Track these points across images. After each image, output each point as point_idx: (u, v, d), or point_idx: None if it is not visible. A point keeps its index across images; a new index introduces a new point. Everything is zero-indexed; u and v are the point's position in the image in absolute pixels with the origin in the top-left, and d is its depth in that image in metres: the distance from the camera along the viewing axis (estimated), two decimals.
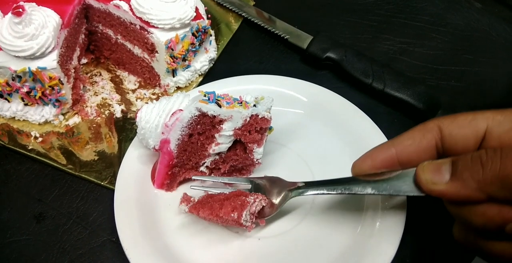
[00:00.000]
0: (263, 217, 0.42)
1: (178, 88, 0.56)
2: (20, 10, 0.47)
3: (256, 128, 0.43)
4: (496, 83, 0.56)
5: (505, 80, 0.57)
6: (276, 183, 0.43)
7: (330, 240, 0.42)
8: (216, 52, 0.59)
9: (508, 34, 0.62)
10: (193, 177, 0.45)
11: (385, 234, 0.40)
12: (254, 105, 0.43)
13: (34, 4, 0.50)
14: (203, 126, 0.43)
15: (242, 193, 0.42)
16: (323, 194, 0.40)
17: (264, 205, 0.41)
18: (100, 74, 0.58)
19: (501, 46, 0.60)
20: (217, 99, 0.43)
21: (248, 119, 0.43)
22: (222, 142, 0.44)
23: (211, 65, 0.58)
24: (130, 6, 0.51)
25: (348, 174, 0.45)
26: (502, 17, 0.64)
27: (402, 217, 0.41)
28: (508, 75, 0.57)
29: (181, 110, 0.43)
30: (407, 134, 0.37)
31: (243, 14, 0.63)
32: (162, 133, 0.43)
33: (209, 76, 0.57)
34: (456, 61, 0.58)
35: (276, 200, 0.42)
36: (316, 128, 0.49)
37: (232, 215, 0.39)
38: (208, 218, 0.41)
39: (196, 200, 0.42)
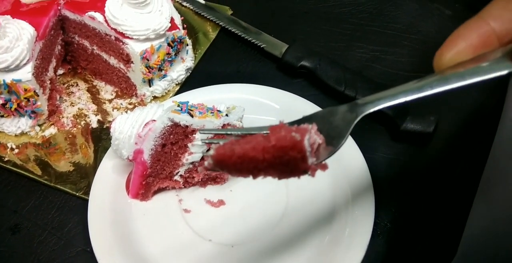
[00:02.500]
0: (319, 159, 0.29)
1: (155, 97, 0.57)
2: None
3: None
4: (465, 91, 0.58)
5: (472, 87, 0.58)
6: (323, 117, 0.31)
7: (303, 246, 0.43)
8: (193, 62, 0.60)
9: None
10: (200, 132, 0.38)
11: (354, 239, 0.41)
12: (227, 115, 0.44)
13: (8, 16, 0.50)
14: (176, 136, 0.44)
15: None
16: (404, 101, 0.30)
17: (320, 142, 0.29)
18: (77, 85, 0.58)
19: None
20: (189, 109, 0.44)
21: (220, 128, 0.44)
22: (195, 151, 0.45)
23: (188, 74, 0.59)
24: (105, 17, 0.52)
25: (322, 181, 0.46)
26: None
27: (370, 222, 0.42)
28: (476, 82, 0.59)
29: (154, 120, 0.44)
30: (499, 2, 0.27)
31: (220, 24, 0.64)
32: (136, 143, 0.44)
33: (187, 85, 0.58)
34: (427, 68, 0.59)
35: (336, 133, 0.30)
36: None
37: (294, 134, 0.26)
38: (248, 157, 0.27)
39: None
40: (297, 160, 0.27)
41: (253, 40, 0.62)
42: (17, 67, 0.49)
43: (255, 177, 0.29)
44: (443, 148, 0.52)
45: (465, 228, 0.69)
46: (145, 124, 0.44)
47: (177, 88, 0.58)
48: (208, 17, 0.65)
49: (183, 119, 0.43)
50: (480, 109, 0.58)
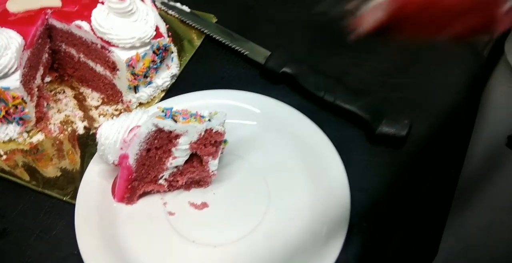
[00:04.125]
0: None
1: (141, 104, 0.58)
2: None
3: (211, 141, 0.46)
4: (438, 94, 0.60)
5: (446, 90, 0.61)
6: None
7: (283, 245, 0.45)
8: (179, 68, 0.61)
9: (454, 47, 0.66)
10: None
11: (331, 237, 0.43)
12: (209, 120, 0.46)
13: None
14: (160, 141, 0.46)
15: None
16: None
17: None
18: (64, 92, 0.60)
19: (446, 58, 0.65)
20: (173, 115, 0.46)
21: (203, 133, 0.45)
22: (179, 155, 0.47)
23: (173, 80, 0.60)
24: (91, 26, 0.53)
25: (301, 182, 0.48)
26: None
27: (346, 221, 0.44)
28: (449, 86, 0.62)
29: (139, 126, 0.45)
30: None
31: (205, 31, 0.66)
32: (121, 148, 0.45)
33: (172, 91, 0.59)
34: (403, 74, 0.62)
35: None
36: (269, 138, 0.52)
37: None
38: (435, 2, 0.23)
39: None
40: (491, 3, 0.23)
41: (237, 48, 0.64)
42: (6, 75, 0.50)
43: (435, 34, 0.24)
44: (417, 149, 0.55)
45: (445, 228, 0.71)
46: (130, 130, 0.45)
47: (163, 94, 0.59)
48: (193, 25, 0.67)
49: (167, 124, 0.45)
50: (454, 111, 0.61)
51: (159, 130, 0.45)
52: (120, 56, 0.53)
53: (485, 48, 0.71)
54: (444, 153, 0.60)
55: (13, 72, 0.51)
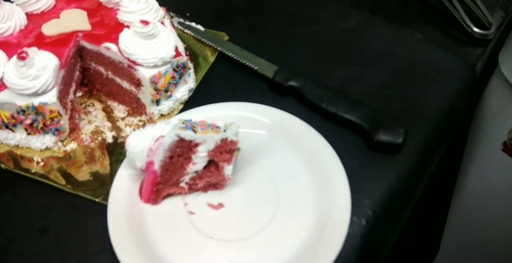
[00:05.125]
0: None
1: (162, 115, 0.64)
2: (24, 54, 0.55)
3: (226, 149, 0.52)
4: (432, 106, 0.65)
5: (440, 102, 0.66)
6: None
7: (291, 241, 0.50)
8: (195, 83, 0.68)
9: (446, 61, 0.72)
10: None
11: (334, 234, 0.49)
12: (224, 131, 0.52)
13: (35, 48, 0.57)
14: (182, 149, 0.52)
15: None
16: None
17: None
18: (93, 105, 0.66)
19: (439, 71, 0.70)
20: (193, 126, 0.52)
21: (219, 142, 0.51)
22: (198, 161, 0.53)
23: (190, 94, 0.66)
24: (119, 48, 0.60)
25: (306, 185, 0.53)
26: (442, 45, 0.74)
27: (347, 219, 0.50)
28: (443, 98, 0.67)
29: (163, 136, 0.51)
30: None
31: (218, 48, 0.72)
32: (148, 155, 0.51)
33: (189, 104, 0.65)
34: (399, 87, 0.68)
35: None
36: (277, 146, 0.58)
37: None
38: None
39: None
40: None
41: (247, 63, 0.70)
42: (44, 92, 0.56)
43: None
44: (413, 155, 0.60)
45: (445, 229, 0.76)
46: (156, 140, 0.51)
47: (181, 107, 0.65)
48: (207, 42, 0.73)
49: (188, 135, 0.51)
50: (448, 119, 0.66)
51: (181, 140, 0.51)
52: (144, 74, 0.59)
53: (479, 60, 0.76)
54: (439, 158, 0.65)
55: (51, 89, 0.57)
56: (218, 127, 0.53)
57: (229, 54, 0.70)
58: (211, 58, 0.71)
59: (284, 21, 0.76)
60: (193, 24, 0.75)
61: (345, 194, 0.52)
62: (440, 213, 0.81)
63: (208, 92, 0.67)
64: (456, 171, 0.78)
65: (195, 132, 0.51)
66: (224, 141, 0.51)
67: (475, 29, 0.73)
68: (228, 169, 0.53)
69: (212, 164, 0.54)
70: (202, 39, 0.73)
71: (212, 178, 0.54)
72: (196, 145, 0.51)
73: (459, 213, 0.87)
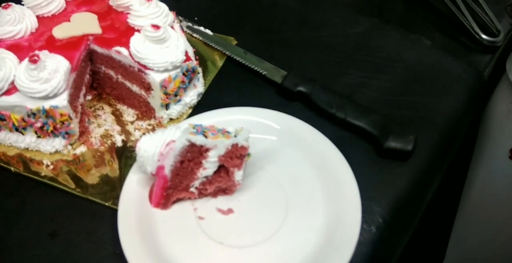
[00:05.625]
0: None
1: (171, 119, 0.64)
2: (36, 58, 0.55)
3: (237, 155, 0.52)
4: (440, 110, 0.66)
5: (448, 109, 0.66)
6: None
7: (300, 248, 0.50)
8: (204, 87, 0.68)
9: (454, 67, 0.72)
10: None
11: (344, 241, 0.49)
12: (235, 136, 0.52)
13: (46, 52, 0.58)
14: (192, 154, 0.52)
15: None
16: None
17: None
18: (103, 108, 0.66)
19: (447, 78, 0.70)
20: (204, 131, 0.52)
21: (229, 147, 0.52)
22: (209, 166, 0.53)
23: (199, 98, 0.66)
24: (129, 52, 0.60)
25: (316, 191, 0.53)
26: (450, 52, 0.74)
27: (358, 226, 0.50)
28: (451, 105, 0.67)
29: (174, 141, 0.52)
30: None
31: (226, 53, 0.72)
32: (158, 160, 0.52)
33: (198, 108, 0.65)
34: (407, 93, 0.68)
35: None
36: (287, 152, 0.58)
37: None
38: None
39: None
40: None
41: (256, 68, 0.70)
42: (55, 96, 0.56)
43: None
44: (423, 162, 0.60)
45: (451, 236, 0.76)
46: (167, 144, 0.51)
47: (190, 111, 0.65)
48: (215, 47, 0.73)
49: (199, 140, 0.51)
50: (456, 125, 0.66)
51: (192, 145, 0.51)
52: (155, 78, 0.59)
53: (487, 67, 0.76)
54: (448, 165, 0.65)
55: (62, 93, 0.57)
56: (228, 132, 0.53)
57: (237, 59, 0.71)
58: (220, 63, 0.71)
59: (292, 26, 0.77)
60: (202, 28, 0.75)
61: (356, 202, 0.52)
62: (446, 219, 0.80)
63: (216, 97, 0.67)
64: (463, 177, 0.78)
65: (206, 137, 0.51)
66: (234, 146, 0.52)
67: (483, 36, 0.73)
68: (238, 174, 0.53)
69: (222, 169, 0.54)
70: (210, 44, 0.73)
71: (222, 183, 0.54)
72: (207, 150, 0.51)
73: (465, 220, 0.87)
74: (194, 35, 0.75)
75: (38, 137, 0.60)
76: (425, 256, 0.60)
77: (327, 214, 0.52)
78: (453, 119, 0.65)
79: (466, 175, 0.80)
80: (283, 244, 0.51)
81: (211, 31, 0.74)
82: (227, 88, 0.68)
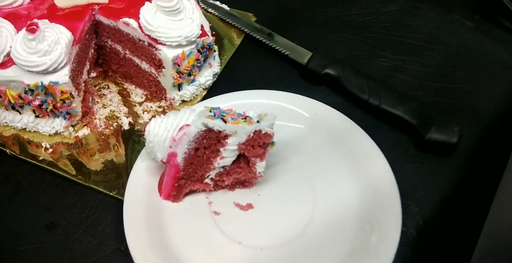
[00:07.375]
0: None
1: (183, 101, 0.58)
2: (34, 27, 0.49)
3: (259, 143, 0.46)
4: (483, 100, 0.59)
5: (493, 97, 0.60)
6: None
7: (330, 252, 0.44)
8: (220, 67, 0.61)
9: (499, 52, 0.65)
10: None
11: (381, 247, 0.43)
12: (258, 121, 0.46)
13: (47, 21, 0.52)
14: (209, 141, 0.46)
15: None
16: None
17: None
18: (108, 87, 0.60)
19: (491, 64, 0.64)
20: (222, 115, 0.46)
21: (251, 134, 0.45)
22: (227, 155, 0.47)
23: (215, 79, 0.60)
24: (139, 23, 0.53)
25: (348, 187, 0.47)
26: (493, 35, 0.67)
27: (398, 231, 0.44)
28: (498, 92, 0.60)
29: (188, 125, 0.45)
30: None
31: (245, 30, 0.66)
32: (170, 146, 0.46)
33: (213, 90, 0.60)
34: (448, 79, 0.61)
35: None
36: (316, 143, 0.52)
37: None
38: None
39: None
40: None
41: (277, 47, 0.64)
42: (55, 70, 0.51)
43: None
44: (467, 158, 0.53)
45: (481, 234, 0.69)
46: (180, 129, 0.45)
47: (204, 93, 0.59)
48: (233, 23, 0.67)
49: (217, 125, 0.45)
50: (501, 117, 0.59)
51: (209, 130, 0.45)
52: (167, 54, 0.53)
53: None
54: (491, 161, 0.58)
55: (62, 67, 0.51)
56: (250, 117, 0.46)
57: (257, 37, 0.65)
58: (237, 41, 0.65)
59: (317, 2, 0.70)
60: (218, 3, 0.69)
61: (395, 202, 0.45)
62: (476, 223, 0.74)
63: (233, 78, 0.61)
64: (499, 176, 0.71)
65: (225, 121, 0.45)
66: (257, 133, 0.45)
67: None
68: (260, 166, 0.47)
69: (242, 159, 0.48)
70: (227, 20, 0.67)
71: (241, 174, 0.48)
72: (226, 136, 0.45)
73: (495, 224, 0.81)
74: (209, 10, 0.68)
75: (37, 116, 0.54)
76: (454, 253, 0.54)
77: (361, 216, 0.46)
78: (499, 108, 0.59)
79: (503, 174, 0.74)
80: (311, 247, 0.45)
81: (228, 6, 0.68)
82: (245, 69, 0.63)
